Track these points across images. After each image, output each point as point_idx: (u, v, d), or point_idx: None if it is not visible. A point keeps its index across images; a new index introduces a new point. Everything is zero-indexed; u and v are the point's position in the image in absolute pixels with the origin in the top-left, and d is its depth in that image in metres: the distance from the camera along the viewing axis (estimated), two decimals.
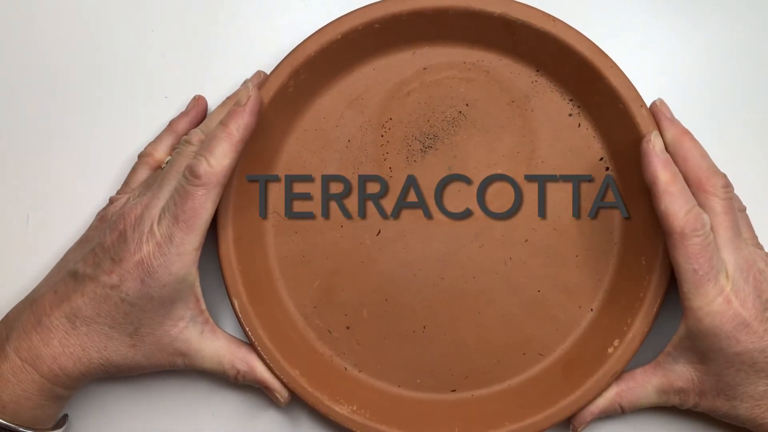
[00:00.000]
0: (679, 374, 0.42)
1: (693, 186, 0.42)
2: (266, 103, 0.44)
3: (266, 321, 0.44)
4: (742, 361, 0.40)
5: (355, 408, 0.45)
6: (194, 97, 0.47)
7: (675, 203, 0.40)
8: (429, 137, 0.46)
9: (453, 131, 0.46)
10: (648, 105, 0.44)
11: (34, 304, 0.42)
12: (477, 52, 0.46)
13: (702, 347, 0.41)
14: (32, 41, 0.49)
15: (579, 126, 0.46)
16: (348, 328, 0.47)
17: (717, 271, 0.40)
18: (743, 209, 0.45)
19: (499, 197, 0.46)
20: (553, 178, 0.46)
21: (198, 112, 0.47)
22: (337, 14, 0.45)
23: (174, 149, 0.45)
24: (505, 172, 0.46)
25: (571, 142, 0.46)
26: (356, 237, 0.47)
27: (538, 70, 0.46)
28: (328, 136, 0.47)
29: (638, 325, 0.44)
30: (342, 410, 0.44)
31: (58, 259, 0.48)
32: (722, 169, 0.42)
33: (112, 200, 0.45)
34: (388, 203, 0.47)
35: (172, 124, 0.47)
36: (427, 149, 0.46)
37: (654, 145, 0.42)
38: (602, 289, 0.46)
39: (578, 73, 0.44)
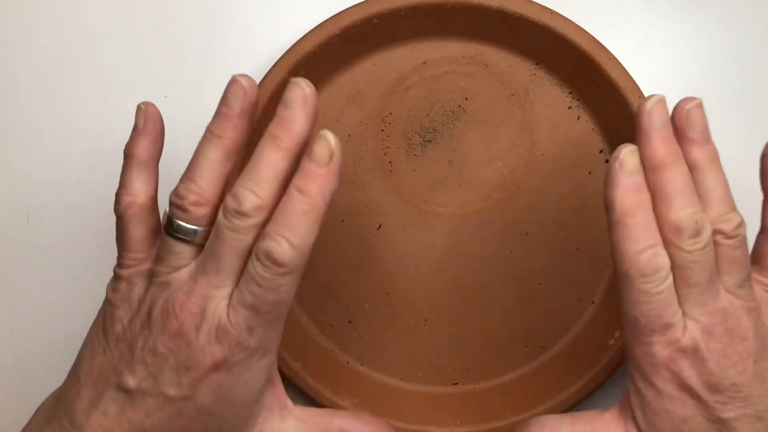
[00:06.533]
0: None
1: (659, 227, 0.34)
2: (265, 100, 0.44)
3: None
4: (692, 430, 0.34)
5: (357, 401, 0.45)
6: (140, 107, 0.37)
7: (627, 239, 0.33)
8: (429, 131, 0.47)
9: (453, 125, 0.47)
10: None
11: (80, 430, 0.34)
12: (476, 46, 0.46)
13: (648, 408, 0.34)
14: (32, 41, 0.49)
15: (578, 119, 0.46)
16: (350, 322, 0.47)
17: (667, 323, 0.33)
18: None
19: (500, 190, 0.46)
20: (553, 171, 0.46)
21: (156, 123, 0.37)
22: (337, 11, 0.45)
23: (147, 181, 0.37)
24: (506, 165, 0.46)
25: (570, 134, 0.46)
26: (357, 231, 0.47)
27: (537, 64, 0.46)
28: None
29: None
30: (344, 403, 0.44)
31: (58, 259, 0.48)
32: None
33: (121, 276, 0.36)
34: (389, 197, 0.47)
35: (132, 152, 0.37)
36: (427, 143, 0.47)
37: (622, 163, 0.33)
38: (603, 281, 0.46)
39: (577, 66, 0.45)
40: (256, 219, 0.33)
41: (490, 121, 0.46)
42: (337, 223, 0.47)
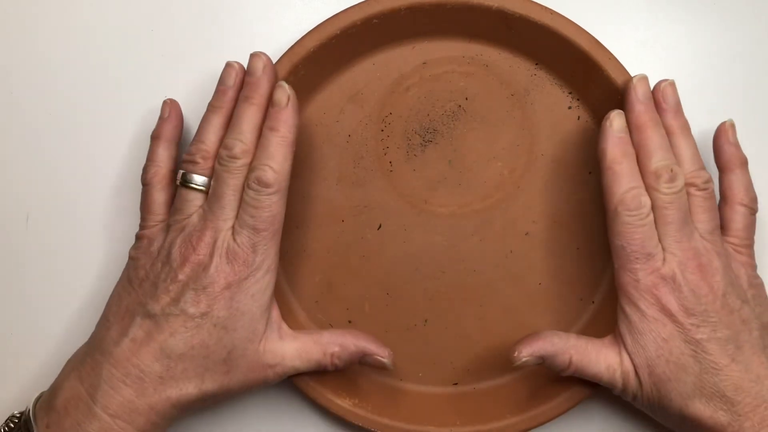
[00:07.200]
0: (623, 357, 0.41)
1: (642, 177, 0.41)
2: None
3: None
4: (671, 351, 0.39)
5: (357, 401, 0.45)
6: (165, 102, 0.46)
7: (616, 181, 0.40)
8: (429, 131, 0.47)
9: (453, 125, 0.47)
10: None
11: (110, 357, 0.40)
12: (476, 46, 0.46)
13: (634, 329, 0.40)
14: (32, 41, 0.49)
15: (578, 119, 0.46)
16: (350, 322, 0.47)
17: (649, 253, 0.40)
18: (751, 209, 0.43)
19: (500, 190, 0.46)
20: (553, 171, 0.46)
21: (177, 114, 0.46)
22: (337, 11, 0.45)
23: (169, 158, 0.45)
24: (505, 165, 0.46)
25: (570, 134, 0.46)
26: (357, 231, 0.47)
27: (537, 64, 0.46)
28: (328, 131, 0.47)
29: None
30: (344, 404, 0.45)
31: (57, 259, 0.48)
32: None
33: (143, 236, 0.43)
34: (389, 197, 0.47)
35: (159, 134, 0.45)
36: (427, 143, 0.47)
37: (611, 122, 0.41)
38: (603, 282, 0.46)
39: (577, 66, 0.45)
40: (245, 160, 0.41)
41: (490, 121, 0.46)
42: (337, 223, 0.47)
